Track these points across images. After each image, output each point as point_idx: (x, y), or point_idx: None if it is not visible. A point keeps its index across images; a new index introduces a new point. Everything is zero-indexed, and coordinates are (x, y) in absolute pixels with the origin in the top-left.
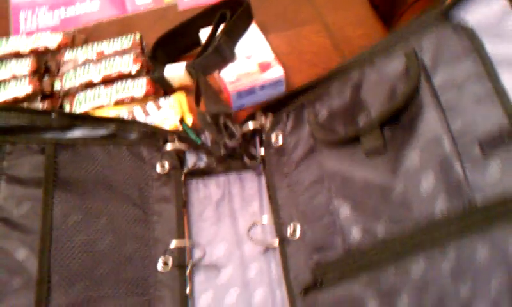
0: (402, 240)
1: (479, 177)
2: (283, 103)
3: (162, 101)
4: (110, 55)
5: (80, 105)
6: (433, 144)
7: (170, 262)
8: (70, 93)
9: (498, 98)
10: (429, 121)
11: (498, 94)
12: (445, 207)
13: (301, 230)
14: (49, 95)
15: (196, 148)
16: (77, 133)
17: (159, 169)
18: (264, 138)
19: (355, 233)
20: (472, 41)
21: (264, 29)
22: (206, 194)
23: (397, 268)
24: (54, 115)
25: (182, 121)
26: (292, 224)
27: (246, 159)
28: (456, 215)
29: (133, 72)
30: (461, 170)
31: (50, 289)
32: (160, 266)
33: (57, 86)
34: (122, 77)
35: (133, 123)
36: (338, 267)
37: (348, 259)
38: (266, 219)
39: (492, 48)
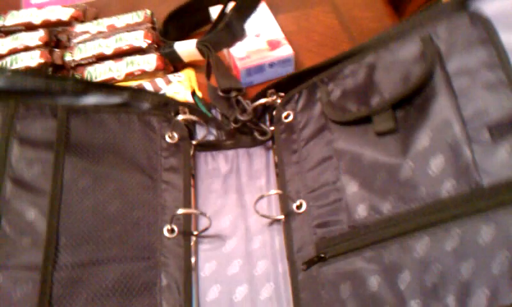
0: (408, 218)
1: (487, 161)
2: (295, 82)
3: (171, 76)
4: (121, 29)
5: (90, 78)
6: (444, 127)
7: (176, 229)
8: (80, 65)
9: (510, 86)
10: (441, 105)
11: (510, 82)
12: (452, 188)
13: (306, 205)
14: (60, 67)
15: (207, 121)
16: (90, 99)
17: (168, 138)
18: (274, 115)
19: (361, 210)
20: (488, 30)
21: (273, 9)
22: (214, 167)
23: (401, 245)
24: (70, 80)
25: (193, 93)
26: (298, 199)
27: (256, 134)
28: (463, 197)
29: (143, 47)
30: (470, 153)
31: (57, 249)
32: (166, 232)
33: (68, 58)
34: (133, 50)
35: (146, 92)
36: (342, 242)
37: (352, 235)
38: (273, 191)
39: (507, 38)
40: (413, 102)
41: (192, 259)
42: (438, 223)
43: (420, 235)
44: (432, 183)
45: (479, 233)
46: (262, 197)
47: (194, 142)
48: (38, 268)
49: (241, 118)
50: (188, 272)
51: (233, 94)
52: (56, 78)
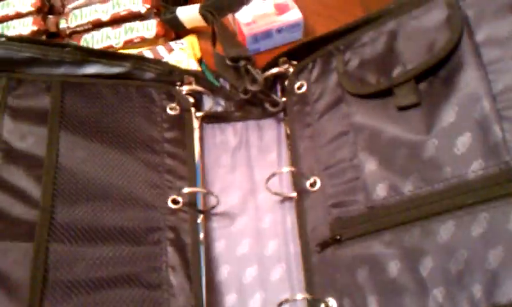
0: (431, 200)
1: None
2: (309, 50)
3: (173, 44)
4: None
5: (87, 45)
6: (472, 102)
7: (181, 204)
8: (76, 33)
9: None
10: (469, 78)
11: None
12: (480, 169)
13: (321, 183)
14: (54, 35)
15: (214, 91)
16: (89, 69)
17: (170, 110)
18: (286, 85)
19: (380, 190)
20: None
21: None
22: (222, 140)
23: (423, 229)
24: (68, 48)
25: (200, 61)
26: (312, 177)
27: (267, 105)
28: (491, 179)
29: (142, 12)
30: (500, 131)
31: (53, 214)
32: (171, 208)
33: (63, 25)
34: (132, 16)
35: (150, 61)
36: (360, 223)
37: (371, 216)
38: (286, 169)
39: None
40: (438, 73)
41: (201, 237)
42: (463, 206)
43: (444, 219)
44: (458, 163)
45: (509, 218)
46: (273, 175)
47: (200, 113)
48: (33, 236)
49: (251, 88)
50: (196, 248)
51: (242, 63)
52: (54, 46)
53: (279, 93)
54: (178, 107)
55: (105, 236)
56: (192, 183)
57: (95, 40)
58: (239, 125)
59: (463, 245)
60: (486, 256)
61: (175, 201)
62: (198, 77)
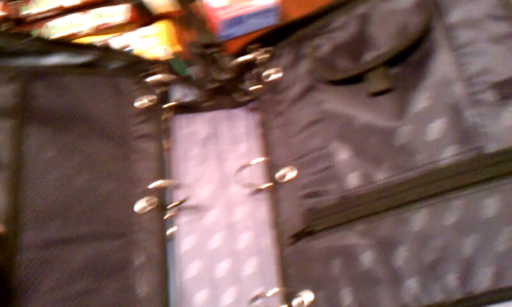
0: (404, 188)
1: (493, 125)
2: (279, 36)
3: (143, 30)
4: None
5: (51, 33)
6: (444, 87)
7: (149, 203)
8: (38, 20)
9: None
10: (441, 62)
11: None
12: (453, 156)
13: (293, 173)
14: (17, 22)
15: (182, 80)
16: (54, 59)
17: (138, 103)
18: (257, 73)
19: (352, 179)
20: None
21: None
22: (192, 131)
23: (397, 218)
24: (30, 38)
25: (171, 49)
26: (284, 167)
27: (237, 94)
28: (465, 165)
29: None
30: (473, 116)
31: (21, 226)
32: (138, 207)
33: (24, 11)
34: (99, 1)
35: (116, 51)
36: (333, 213)
37: (343, 206)
38: (257, 160)
39: None
40: (410, 58)
41: (168, 233)
42: (437, 194)
43: (417, 207)
44: (431, 150)
45: (483, 205)
46: (244, 166)
47: (169, 104)
48: None
49: (221, 76)
50: (164, 248)
51: (213, 50)
52: (15, 36)
53: (250, 81)
54: (146, 99)
55: (75, 244)
56: (161, 178)
57: (59, 27)
58: (209, 114)
59: (437, 233)
60: (460, 244)
61: (144, 204)
62: (166, 66)
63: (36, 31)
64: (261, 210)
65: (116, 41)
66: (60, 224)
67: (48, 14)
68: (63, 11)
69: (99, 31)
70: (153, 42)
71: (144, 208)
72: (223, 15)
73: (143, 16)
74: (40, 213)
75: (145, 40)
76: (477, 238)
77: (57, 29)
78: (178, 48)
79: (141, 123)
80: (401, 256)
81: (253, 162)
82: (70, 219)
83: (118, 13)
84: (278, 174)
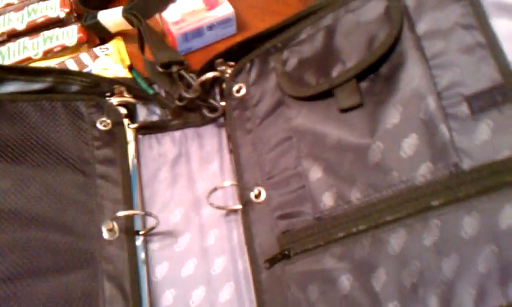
0: (380, 208)
1: (467, 140)
2: (246, 49)
3: (97, 50)
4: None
5: (2, 59)
6: (416, 101)
7: (117, 231)
8: None
9: (489, 50)
10: (411, 74)
11: (490, 45)
12: (429, 173)
13: (266, 194)
14: None
15: (148, 99)
16: (7, 88)
17: (100, 126)
18: (224, 88)
19: (327, 199)
20: None
21: None
22: (160, 152)
23: (374, 239)
24: None
25: (131, 68)
26: (256, 187)
27: (206, 111)
28: (441, 182)
29: (61, 17)
30: (447, 131)
31: None
32: (105, 235)
33: None
34: (49, 23)
35: (74, 73)
36: (308, 236)
37: (319, 228)
38: (228, 183)
39: None
40: (379, 71)
41: (140, 263)
42: (414, 214)
43: (394, 228)
44: (405, 167)
45: (461, 224)
46: (215, 189)
47: (134, 125)
48: None
49: (186, 95)
50: (135, 277)
51: (175, 68)
52: None
53: (218, 97)
54: (109, 121)
55: (38, 278)
56: (128, 205)
57: (11, 52)
58: (178, 134)
59: (416, 255)
60: (440, 266)
61: (110, 229)
62: (129, 86)
63: None
64: (235, 232)
65: (70, 64)
66: (19, 257)
67: (0, 38)
68: (15, 35)
69: (52, 53)
70: (109, 62)
71: (112, 236)
72: (181, 29)
73: (95, 37)
74: None
75: (101, 60)
76: (457, 258)
77: (9, 54)
78: (137, 65)
79: (104, 146)
80: (380, 279)
81: (225, 184)
82: (31, 252)
83: (69, 35)
84: (250, 195)
